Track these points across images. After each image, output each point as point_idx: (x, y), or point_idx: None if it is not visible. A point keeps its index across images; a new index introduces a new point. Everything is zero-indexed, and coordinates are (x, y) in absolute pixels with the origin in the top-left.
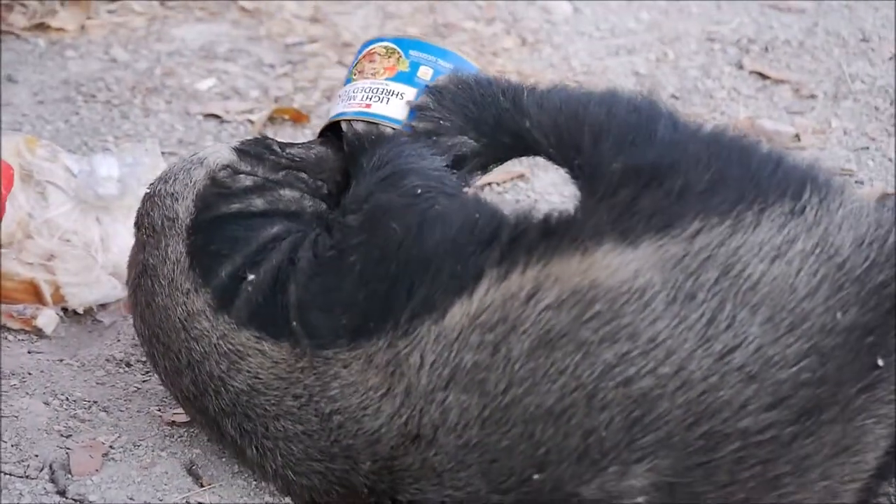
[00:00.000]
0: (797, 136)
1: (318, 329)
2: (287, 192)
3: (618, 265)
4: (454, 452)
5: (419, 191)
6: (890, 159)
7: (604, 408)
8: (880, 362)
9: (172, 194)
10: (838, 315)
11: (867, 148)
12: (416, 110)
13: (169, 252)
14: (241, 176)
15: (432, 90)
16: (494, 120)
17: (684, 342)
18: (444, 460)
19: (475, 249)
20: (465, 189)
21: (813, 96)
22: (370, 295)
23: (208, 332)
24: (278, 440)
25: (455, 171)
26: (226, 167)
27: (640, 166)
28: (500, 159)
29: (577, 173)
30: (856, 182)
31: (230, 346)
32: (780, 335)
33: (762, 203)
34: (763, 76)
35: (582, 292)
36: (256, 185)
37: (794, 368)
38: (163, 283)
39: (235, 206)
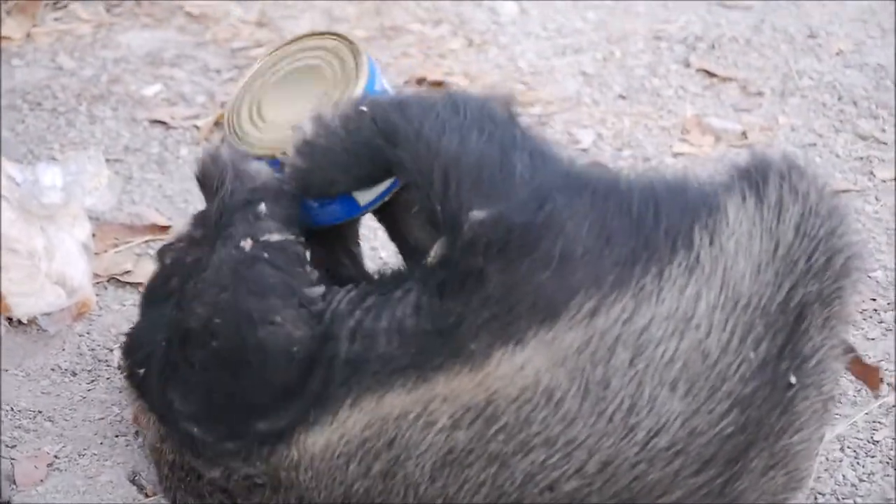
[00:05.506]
0: (744, 134)
1: (188, 438)
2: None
3: (513, 372)
4: None
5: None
6: (837, 155)
7: None
8: (793, 380)
9: None
10: (752, 356)
11: (814, 144)
12: (287, 170)
13: None
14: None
15: (301, 149)
16: (370, 163)
17: (606, 437)
18: None
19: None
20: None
21: (760, 93)
22: (223, 402)
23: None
24: None
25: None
26: None
27: (506, 226)
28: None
29: (437, 223)
30: None
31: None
32: (701, 404)
33: (658, 264)
34: (710, 74)
35: (479, 408)
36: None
37: (718, 427)
38: None
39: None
